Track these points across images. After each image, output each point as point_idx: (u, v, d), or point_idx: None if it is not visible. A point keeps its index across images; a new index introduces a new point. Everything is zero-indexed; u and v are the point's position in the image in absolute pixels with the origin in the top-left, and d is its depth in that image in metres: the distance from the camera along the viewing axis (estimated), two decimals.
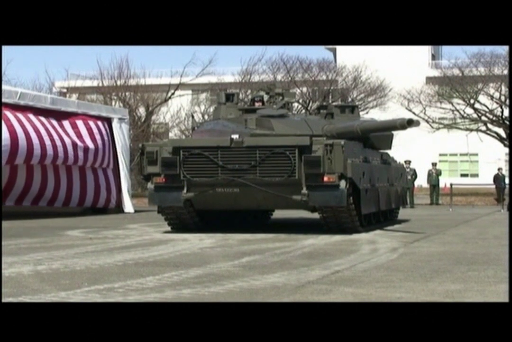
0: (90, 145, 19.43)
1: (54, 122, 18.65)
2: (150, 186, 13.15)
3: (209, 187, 12.77)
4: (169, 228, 13.77)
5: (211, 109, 32.66)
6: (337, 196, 12.36)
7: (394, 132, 15.17)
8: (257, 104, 14.42)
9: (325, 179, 12.31)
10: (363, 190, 13.07)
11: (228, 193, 12.77)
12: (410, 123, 12.56)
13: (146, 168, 13.08)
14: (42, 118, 18.24)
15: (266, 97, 14.52)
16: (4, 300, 5.83)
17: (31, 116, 17.92)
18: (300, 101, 36.95)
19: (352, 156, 12.67)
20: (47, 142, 17.89)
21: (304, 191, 12.40)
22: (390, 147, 15.45)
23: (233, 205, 13.13)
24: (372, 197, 13.69)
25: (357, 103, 34.68)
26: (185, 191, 12.89)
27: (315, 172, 12.29)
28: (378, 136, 14.61)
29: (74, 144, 18.85)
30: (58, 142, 18.26)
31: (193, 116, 16.48)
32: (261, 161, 12.54)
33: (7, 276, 7.36)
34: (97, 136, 19.83)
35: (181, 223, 13.61)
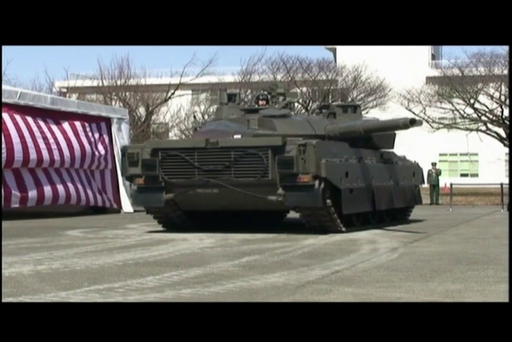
0: (90, 145, 19.41)
1: (52, 123, 18.60)
2: (133, 187, 13.34)
3: (188, 187, 12.85)
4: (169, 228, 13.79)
5: (211, 109, 32.66)
6: (312, 196, 12.37)
7: None
8: (261, 103, 14.42)
9: (300, 179, 12.31)
10: (346, 189, 13.01)
11: (208, 194, 12.82)
12: (413, 122, 12.60)
13: (128, 169, 13.20)
14: (40, 120, 18.19)
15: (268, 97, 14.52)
16: (4, 300, 5.83)
17: (28, 117, 17.86)
18: (300, 101, 36.98)
19: (330, 156, 12.59)
20: (42, 145, 17.82)
21: (280, 191, 12.40)
22: (392, 147, 15.44)
23: (215, 206, 13.19)
24: (360, 197, 13.58)
25: (357, 103, 34.69)
26: (165, 191, 12.97)
27: (288, 172, 12.27)
28: (380, 136, 14.59)
29: (73, 145, 18.81)
30: (54, 146, 18.20)
31: (195, 117, 16.52)
32: (235, 162, 12.56)
33: (7, 276, 7.36)
34: (97, 137, 19.80)
35: (169, 222, 13.71)
